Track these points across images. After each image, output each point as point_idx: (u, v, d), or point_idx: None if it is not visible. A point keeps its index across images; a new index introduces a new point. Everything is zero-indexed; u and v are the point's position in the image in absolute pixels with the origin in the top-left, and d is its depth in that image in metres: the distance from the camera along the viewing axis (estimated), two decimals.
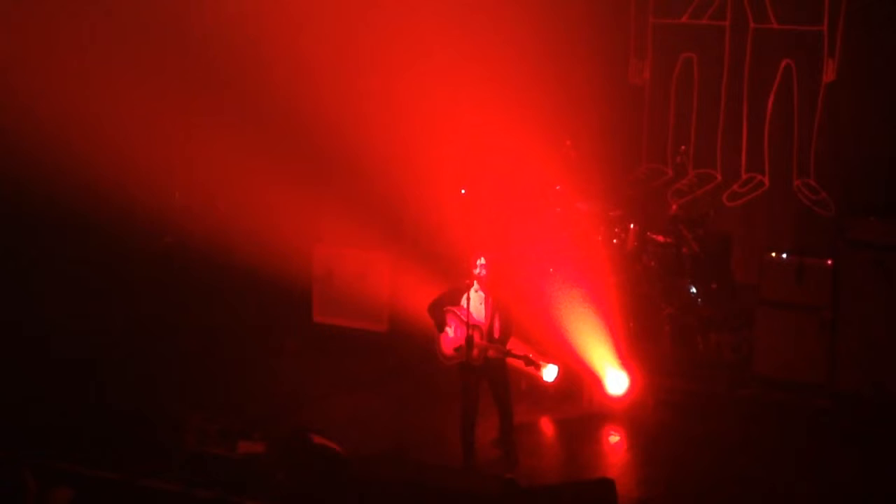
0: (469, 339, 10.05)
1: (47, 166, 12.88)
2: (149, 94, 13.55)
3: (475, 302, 10.22)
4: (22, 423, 10.81)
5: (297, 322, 13.85)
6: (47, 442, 10.47)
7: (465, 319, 10.10)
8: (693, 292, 13.07)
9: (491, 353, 10.17)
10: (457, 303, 10.23)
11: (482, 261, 10.22)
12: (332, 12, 13.97)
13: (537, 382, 11.93)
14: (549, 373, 11.84)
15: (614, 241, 13.26)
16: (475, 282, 10.23)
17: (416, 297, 11.85)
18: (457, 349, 10.19)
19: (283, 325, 13.78)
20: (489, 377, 10.36)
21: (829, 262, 11.91)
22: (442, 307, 10.37)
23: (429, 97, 13.65)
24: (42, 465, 9.41)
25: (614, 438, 11.61)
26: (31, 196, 13.18)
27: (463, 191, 13.85)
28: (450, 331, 10.30)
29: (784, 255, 12.12)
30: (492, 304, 10.24)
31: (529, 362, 10.25)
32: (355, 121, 13.52)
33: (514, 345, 10.41)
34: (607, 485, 9.11)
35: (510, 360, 10.50)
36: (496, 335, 10.22)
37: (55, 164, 12.83)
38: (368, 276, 13.65)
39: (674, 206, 13.43)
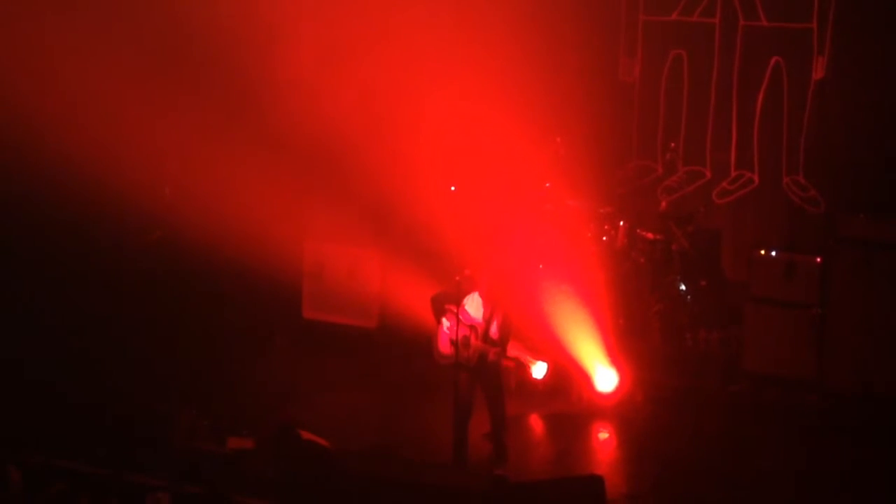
0: (465, 339, 10.07)
1: (35, 161, 12.85)
2: (139, 89, 13.51)
3: (475, 304, 10.27)
4: (9, 420, 10.78)
5: (287, 318, 13.83)
6: (35, 438, 10.44)
7: (463, 320, 10.12)
8: (682, 289, 13.08)
9: (491, 357, 10.18)
10: (458, 302, 10.23)
11: (482, 275, 10.28)
12: (322, 10, 13.95)
13: (527, 379, 11.96)
14: (539, 370, 11.88)
15: (604, 238, 13.27)
16: (476, 291, 10.29)
17: (406, 293, 11.86)
18: (453, 346, 10.20)
19: (273, 321, 13.76)
20: (483, 379, 10.37)
21: (819, 259, 11.94)
22: (443, 304, 10.38)
23: (418, 94, 13.64)
24: (28, 461, 9.41)
25: (604, 435, 11.63)
26: (19, 191, 13.14)
27: (453, 188, 13.85)
28: (446, 326, 10.30)
29: (773, 252, 12.14)
30: (490, 309, 10.27)
31: (521, 365, 10.27)
32: (346, 117, 13.51)
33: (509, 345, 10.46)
34: (596, 481, 9.12)
35: (504, 362, 10.59)
36: (493, 337, 10.24)
37: (43, 158, 12.80)
38: (358, 273, 13.64)
39: (663, 203, 13.45)
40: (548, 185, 13.28)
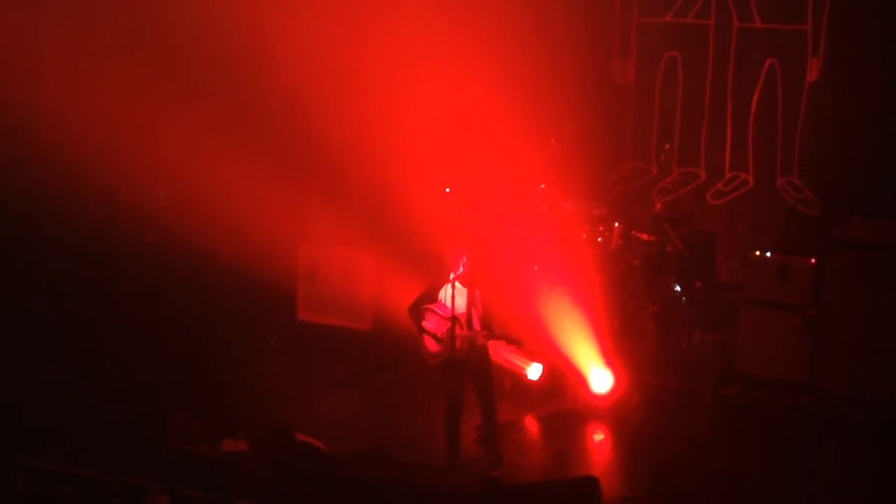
0: (450, 332, 10.03)
1: (29, 164, 12.84)
2: (133, 91, 13.50)
3: (454, 295, 10.19)
4: (10, 425, 10.76)
5: (282, 320, 13.81)
6: (34, 443, 10.42)
7: (443, 314, 10.10)
8: (677, 291, 13.09)
9: (479, 339, 10.14)
10: (435, 300, 10.22)
11: (464, 259, 10.23)
12: (317, 10, 13.94)
13: (522, 380, 11.97)
14: (534, 371, 11.90)
15: (599, 239, 13.28)
16: (455, 278, 10.20)
17: (400, 295, 11.84)
18: (440, 342, 10.18)
19: (267, 323, 13.75)
20: (473, 372, 10.33)
21: (813, 260, 11.93)
22: (420, 306, 10.34)
23: (413, 96, 13.65)
24: (33, 467, 9.40)
25: (598, 436, 11.63)
26: (13, 193, 13.12)
27: (447, 189, 13.85)
28: (429, 327, 10.28)
29: (768, 254, 12.14)
30: (471, 296, 10.21)
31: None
32: (340, 119, 13.51)
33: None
34: (591, 483, 9.12)
35: (495, 358, 10.57)
36: (476, 326, 10.20)
37: (37, 161, 12.79)
38: (353, 275, 13.63)
39: (658, 205, 13.43)
40: (542, 186, 13.29)
